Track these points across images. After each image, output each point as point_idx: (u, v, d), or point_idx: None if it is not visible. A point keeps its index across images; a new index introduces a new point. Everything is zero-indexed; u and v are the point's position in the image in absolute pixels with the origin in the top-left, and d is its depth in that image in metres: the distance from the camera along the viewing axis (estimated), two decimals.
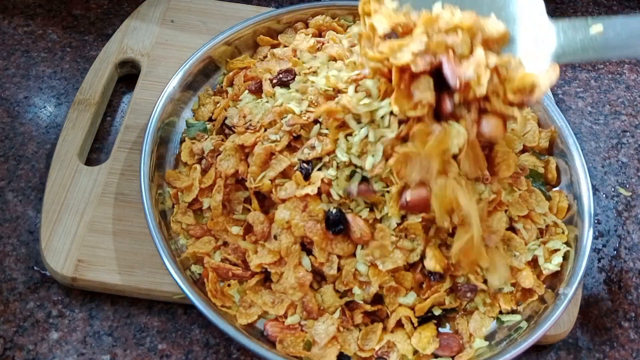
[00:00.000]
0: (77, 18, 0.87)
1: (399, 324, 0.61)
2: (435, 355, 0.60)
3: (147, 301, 0.65)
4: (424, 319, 0.61)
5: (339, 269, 0.60)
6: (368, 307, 0.60)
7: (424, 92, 0.53)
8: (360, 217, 0.59)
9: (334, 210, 0.59)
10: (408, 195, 0.56)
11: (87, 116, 0.74)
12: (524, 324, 0.62)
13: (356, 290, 0.60)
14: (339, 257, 0.60)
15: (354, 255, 0.60)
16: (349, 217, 0.59)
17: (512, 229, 0.65)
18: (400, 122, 0.56)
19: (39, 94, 0.79)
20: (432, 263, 0.59)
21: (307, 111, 0.62)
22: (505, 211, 0.63)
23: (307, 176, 0.59)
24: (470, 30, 0.55)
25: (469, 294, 0.61)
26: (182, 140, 0.71)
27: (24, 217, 0.69)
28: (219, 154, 0.65)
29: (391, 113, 0.56)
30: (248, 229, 0.63)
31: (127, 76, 0.81)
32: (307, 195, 0.58)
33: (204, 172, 0.66)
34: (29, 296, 0.65)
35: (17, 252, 0.67)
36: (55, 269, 0.64)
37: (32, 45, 0.83)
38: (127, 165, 0.71)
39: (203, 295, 0.60)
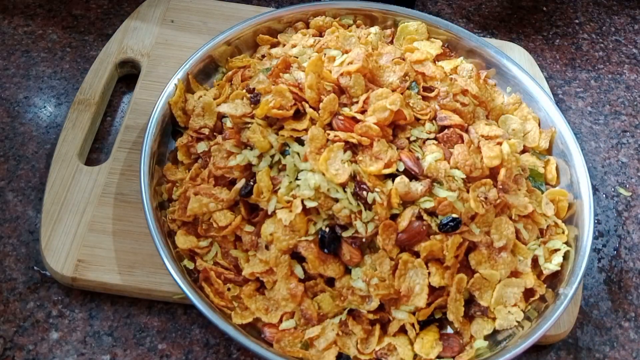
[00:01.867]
0: (77, 18, 0.87)
1: (402, 329, 0.61)
2: (436, 356, 0.60)
3: (147, 301, 0.65)
4: (425, 322, 0.61)
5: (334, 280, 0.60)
6: (370, 316, 0.60)
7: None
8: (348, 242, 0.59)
9: (327, 229, 0.59)
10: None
11: (87, 116, 0.74)
12: (524, 324, 0.62)
13: (357, 306, 0.60)
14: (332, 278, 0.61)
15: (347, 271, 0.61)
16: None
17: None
18: None
19: (39, 94, 0.79)
20: (436, 279, 0.59)
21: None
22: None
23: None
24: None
25: (479, 313, 0.62)
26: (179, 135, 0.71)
27: (24, 217, 0.69)
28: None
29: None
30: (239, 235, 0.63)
31: (127, 76, 0.81)
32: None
33: (200, 170, 0.66)
34: (29, 296, 0.65)
35: (17, 252, 0.67)
36: (55, 269, 0.64)
37: (32, 45, 0.83)
38: (127, 165, 0.71)
39: (203, 295, 0.60)
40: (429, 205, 0.59)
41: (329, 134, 0.61)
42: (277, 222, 0.59)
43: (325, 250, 0.59)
